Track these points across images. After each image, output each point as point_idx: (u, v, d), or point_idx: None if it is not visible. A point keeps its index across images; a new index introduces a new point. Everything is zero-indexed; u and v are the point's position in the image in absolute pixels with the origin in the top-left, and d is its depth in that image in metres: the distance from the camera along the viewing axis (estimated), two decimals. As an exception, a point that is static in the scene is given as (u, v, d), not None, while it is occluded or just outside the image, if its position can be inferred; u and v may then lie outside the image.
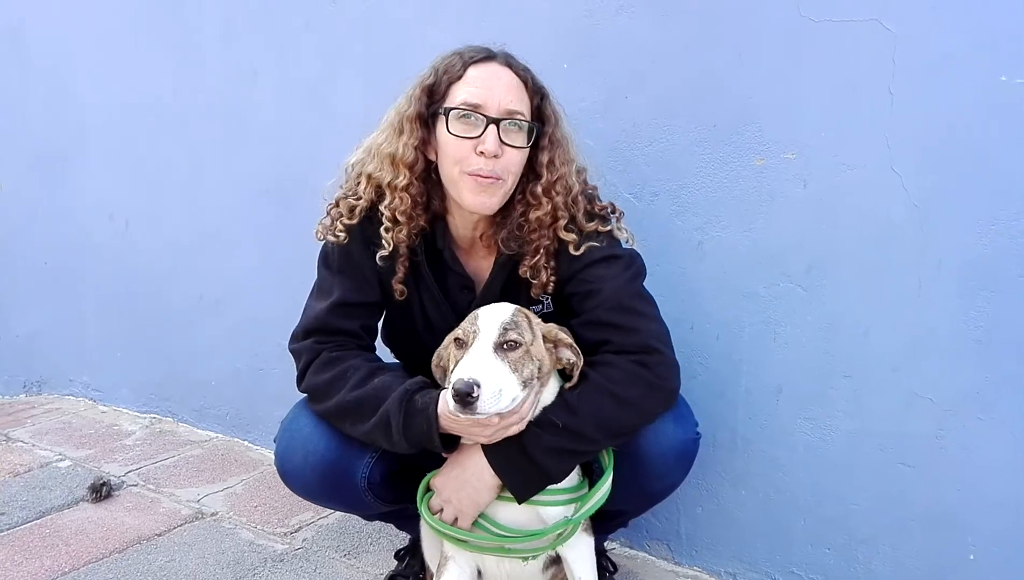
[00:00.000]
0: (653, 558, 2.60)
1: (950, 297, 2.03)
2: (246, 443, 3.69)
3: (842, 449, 2.19)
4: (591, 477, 1.94)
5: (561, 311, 1.92)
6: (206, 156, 3.60)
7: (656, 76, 2.38)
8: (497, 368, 1.61)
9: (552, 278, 1.88)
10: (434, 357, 1.85)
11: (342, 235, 1.94)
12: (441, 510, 1.88)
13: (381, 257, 1.87)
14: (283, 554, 2.68)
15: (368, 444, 1.96)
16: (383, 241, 1.86)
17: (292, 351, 1.99)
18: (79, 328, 4.26)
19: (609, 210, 1.92)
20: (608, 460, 1.85)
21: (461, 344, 1.67)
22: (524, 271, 1.88)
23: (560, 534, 1.82)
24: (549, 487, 1.80)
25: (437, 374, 1.83)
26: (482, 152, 1.75)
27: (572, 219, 1.85)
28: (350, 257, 1.93)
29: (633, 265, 1.92)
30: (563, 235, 1.84)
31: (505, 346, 1.65)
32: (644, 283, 1.93)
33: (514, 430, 1.75)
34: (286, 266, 3.27)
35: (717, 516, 2.46)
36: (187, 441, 3.75)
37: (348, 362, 1.92)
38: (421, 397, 1.74)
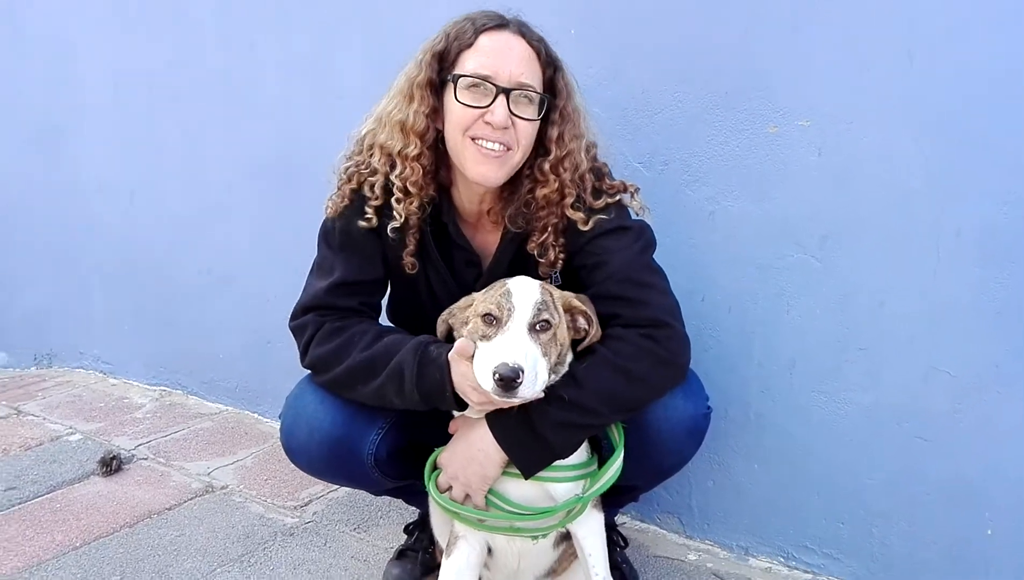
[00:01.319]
0: (664, 531, 2.58)
1: (969, 268, 1.98)
2: (256, 415, 3.68)
3: (858, 423, 2.16)
4: (600, 453, 1.90)
5: (569, 284, 1.88)
6: (206, 129, 3.56)
7: (666, 41, 2.32)
8: (534, 351, 1.58)
9: (561, 256, 1.86)
10: (444, 313, 1.81)
11: (352, 212, 1.91)
12: (450, 488, 1.84)
13: (392, 229, 1.83)
14: (293, 528, 2.67)
15: (374, 419, 1.94)
16: (394, 212, 1.82)
17: (293, 329, 1.93)
18: (87, 302, 4.26)
19: (620, 189, 1.88)
20: (619, 436, 1.82)
21: (492, 320, 1.63)
22: (532, 248, 1.85)
23: (570, 511, 1.79)
24: (557, 463, 1.77)
25: (441, 329, 1.81)
26: (489, 123, 1.71)
27: (579, 197, 1.82)
28: (351, 234, 1.89)
29: (643, 237, 1.87)
30: (570, 213, 1.81)
31: (538, 327, 1.62)
32: (654, 255, 1.88)
33: (509, 403, 1.69)
34: (292, 239, 3.23)
35: (729, 490, 2.43)
36: (197, 414, 3.75)
37: (354, 329, 1.86)
38: (436, 348, 1.73)
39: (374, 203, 1.86)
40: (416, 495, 2.22)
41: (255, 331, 3.57)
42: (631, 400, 1.76)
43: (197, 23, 3.47)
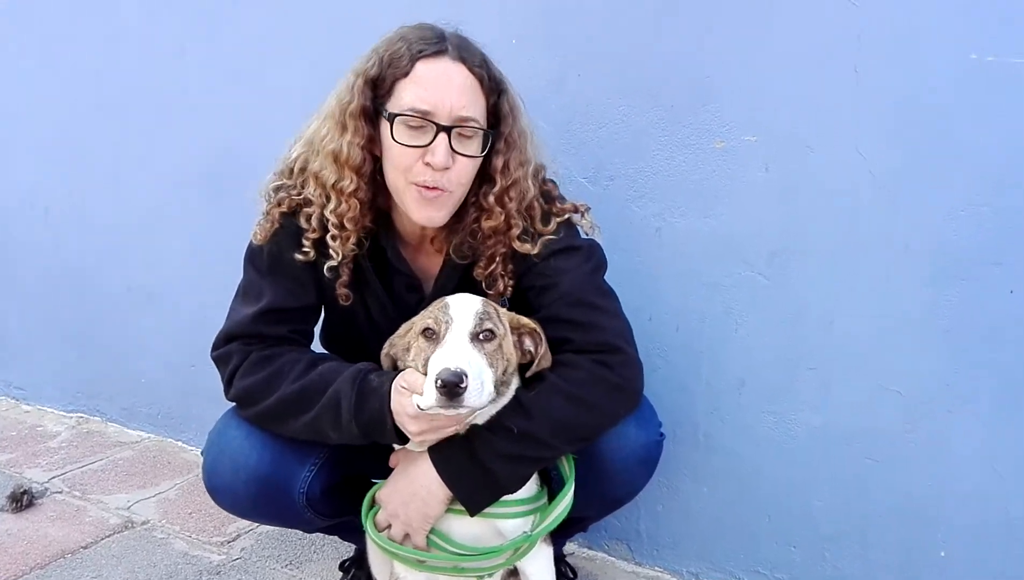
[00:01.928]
0: (613, 559, 2.50)
1: (919, 285, 1.95)
2: (180, 443, 3.50)
3: (807, 444, 2.12)
4: (550, 485, 1.81)
5: (518, 307, 1.78)
6: (131, 139, 3.36)
7: (611, 52, 2.25)
8: (478, 358, 1.50)
9: (510, 283, 1.77)
10: (386, 345, 1.71)
11: (284, 237, 1.79)
12: (389, 526, 1.73)
13: (329, 267, 1.73)
14: (220, 565, 2.52)
15: (306, 454, 1.83)
16: (330, 250, 1.71)
17: (216, 358, 1.80)
18: (0, 324, 4.00)
19: (571, 210, 1.81)
20: (569, 469, 1.73)
21: (431, 334, 1.55)
22: (479, 276, 1.77)
23: (518, 549, 1.69)
24: (505, 498, 1.68)
25: (386, 363, 1.71)
26: (429, 163, 1.61)
27: (526, 229, 1.74)
28: (281, 258, 1.77)
29: (593, 257, 1.80)
30: (517, 246, 1.73)
31: (481, 337, 1.54)
32: (604, 276, 1.81)
33: (449, 431, 1.62)
34: (220, 256, 3.04)
35: (679, 514, 2.36)
36: (116, 442, 3.55)
37: (284, 358, 1.74)
38: (376, 376, 1.64)
39: (312, 236, 1.73)
40: (352, 531, 2.09)
41: (179, 353, 3.39)
42: (584, 429, 1.68)
43: (122, 27, 3.27)
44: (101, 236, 3.51)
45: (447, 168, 1.63)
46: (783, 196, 2.06)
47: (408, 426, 1.59)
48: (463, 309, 1.57)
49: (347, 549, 2.40)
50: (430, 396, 1.46)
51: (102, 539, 2.69)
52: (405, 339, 1.69)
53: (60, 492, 3.05)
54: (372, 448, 1.74)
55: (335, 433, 1.68)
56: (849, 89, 1.97)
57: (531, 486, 1.74)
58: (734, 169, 2.10)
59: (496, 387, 1.56)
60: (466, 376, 1.43)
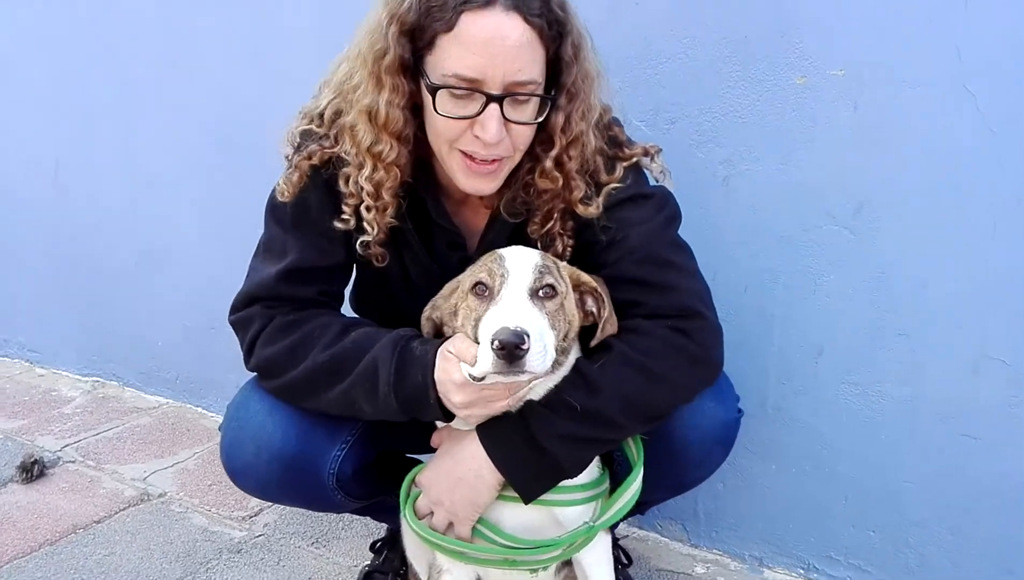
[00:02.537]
0: (666, 540, 2.33)
1: (1030, 241, 1.71)
2: (199, 410, 3.34)
3: (894, 419, 1.93)
4: (613, 467, 1.60)
5: (577, 266, 1.55)
6: (143, 95, 3.17)
7: (674, -22, 2.00)
8: (539, 318, 1.32)
9: (570, 244, 1.57)
10: (427, 308, 1.53)
11: (314, 191, 1.58)
12: (431, 513, 1.53)
13: (363, 242, 1.54)
14: (241, 543, 2.36)
15: (337, 430, 1.64)
16: (365, 223, 1.51)
17: (234, 323, 1.61)
18: (10, 282, 3.87)
19: (640, 154, 1.59)
20: (637, 451, 1.52)
21: (484, 291, 1.37)
22: (534, 234, 1.57)
23: (576, 542, 1.49)
24: (563, 483, 1.47)
25: (427, 327, 1.53)
26: (479, 136, 1.40)
27: (587, 193, 1.52)
28: (308, 211, 1.58)
29: (666, 206, 1.57)
30: (580, 210, 1.52)
31: (541, 293, 1.36)
32: (679, 229, 1.59)
33: (500, 406, 1.42)
34: (238, 213, 2.84)
35: (742, 493, 2.17)
36: (133, 408, 3.40)
37: (312, 323, 1.56)
38: (420, 344, 1.45)
39: (352, 202, 1.53)
40: (385, 511, 1.92)
41: (198, 316, 3.23)
42: (656, 407, 1.48)
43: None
44: (113, 195, 3.39)
45: (500, 141, 1.41)
46: (873, 139, 1.84)
47: (453, 396, 1.39)
48: (520, 262, 1.38)
49: (378, 527, 2.22)
50: (485, 360, 1.26)
51: (116, 513, 2.55)
52: (451, 301, 1.48)
53: (73, 462, 2.91)
54: (412, 422, 1.53)
55: (370, 407, 1.49)
56: (957, 14, 1.71)
57: (592, 469, 1.53)
58: (817, 108, 1.88)
59: (557, 352, 1.36)
60: (527, 336, 1.22)
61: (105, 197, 3.41)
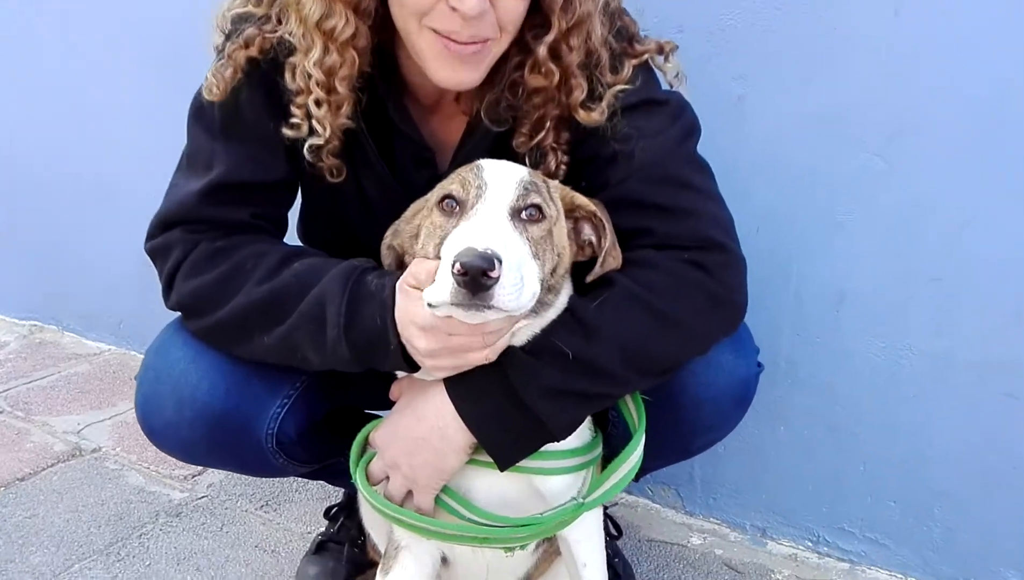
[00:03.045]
0: (658, 506, 2.12)
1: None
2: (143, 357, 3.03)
3: (923, 376, 1.73)
4: (606, 428, 1.36)
5: (573, 186, 1.30)
6: (80, 8, 2.88)
7: None
8: (518, 242, 1.09)
9: (564, 161, 1.33)
10: (387, 234, 1.30)
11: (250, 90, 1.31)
12: (387, 479, 1.29)
13: (312, 147, 1.28)
14: (181, 505, 2.14)
15: (277, 382, 1.39)
16: (315, 122, 1.26)
17: (150, 251, 1.37)
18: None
19: (654, 50, 1.34)
20: (637, 412, 1.29)
21: (453, 207, 1.14)
22: (520, 147, 1.32)
23: (562, 521, 1.24)
24: (548, 447, 1.23)
25: (388, 258, 1.30)
26: (456, 8, 1.15)
27: (592, 91, 1.27)
28: (242, 113, 1.32)
29: (683, 116, 1.32)
30: (581, 116, 1.27)
31: (525, 214, 1.13)
32: (697, 145, 1.34)
33: (475, 359, 1.16)
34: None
35: (745, 456, 1.97)
36: (72, 354, 3.13)
37: (245, 250, 1.30)
38: (376, 277, 1.21)
39: (302, 100, 1.26)
40: (342, 475, 1.63)
41: (143, 253, 2.89)
42: (665, 357, 1.23)
43: None
44: (46, 117, 3.11)
45: (481, 13, 1.15)
46: (915, 54, 1.60)
47: (417, 341, 1.14)
48: (502, 175, 1.15)
49: (335, 491, 2.01)
50: (443, 287, 1.01)
51: (43, 469, 2.31)
52: (414, 223, 1.23)
53: (1, 412, 2.65)
54: (371, 372, 1.28)
55: (316, 355, 1.24)
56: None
57: (583, 432, 1.29)
58: (849, 13, 1.65)
59: (542, 289, 1.12)
60: (498, 262, 0.98)
61: (43, 125, 3.14)
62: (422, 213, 1.21)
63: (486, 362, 1.16)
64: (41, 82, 3.08)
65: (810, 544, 1.94)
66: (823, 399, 1.85)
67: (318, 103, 1.24)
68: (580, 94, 1.25)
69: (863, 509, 1.86)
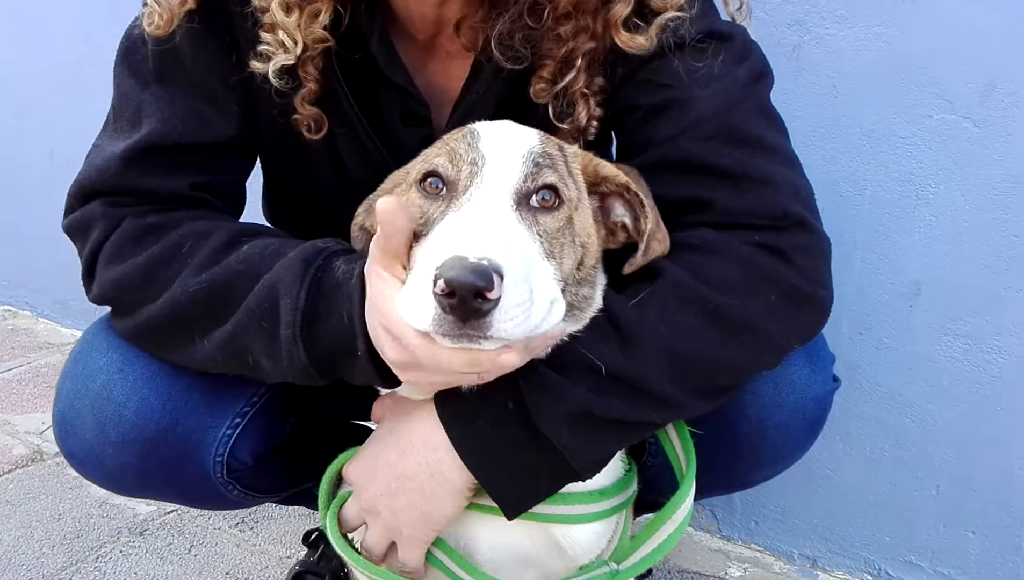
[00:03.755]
0: (689, 530, 1.90)
1: None
2: (121, 348, 2.85)
3: (1015, 384, 1.52)
4: (640, 458, 1.11)
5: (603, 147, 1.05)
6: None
7: None
8: (526, 243, 0.86)
9: (597, 113, 1.09)
10: (360, 209, 1.09)
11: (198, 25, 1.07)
12: (365, 524, 1.04)
13: (280, 70, 1.03)
14: (147, 521, 1.93)
15: (229, 397, 1.14)
16: (283, 34, 1.01)
17: (67, 229, 1.13)
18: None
19: None
20: (685, 448, 1.04)
21: (438, 188, 0.92)
22: (541, 94, 1.08)
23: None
24: (569, 488, 0.98)
25: (359, 242, 1.08)
26: None
27: (638, 5, 1.04)
28: (179, 52, 1.09)
29: (751, 55, 1.08)
30: (623, 39, 1.03)
31: (536, 200, 0.90)
32: (770, 92, 1.08)
33: (462, 379, 0.92)
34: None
35: (794, 475, 1.66)
36: (44, 343, 2.98)
37: (183, 228, 1.06)
38: (345, 262, 0.98)
39: (270, 17, 1.03)
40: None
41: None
42: (728, 372, 0.98)
43: None
44: (13, 90, 3.01)
45: None
46: None
47: (384, 346, 0.89)
48: (505, 144, 0.92)
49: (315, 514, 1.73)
50: (423, 310, 0.78)
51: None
52: (399, 197, 0.98)
53: (-41, 408, 2.47)
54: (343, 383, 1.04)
55: (270, 362, 0.99)
56: None
57: (614, 464, 1.03)
58: None
59: (567, 292, 0.89)
60: (499, 277, 0.75)
61: (8, 99, 3.04)
62: (401, 188, 0.96)
63: (481, 382, 0.90)
64: (5, 47, 2.99)
65: (869, 577, 1.75)
66: (890, 409, 1.65)
67: (288, 8, 1.00)
68: (624, 8, 1.00)
69: (935, 539, 1.66)
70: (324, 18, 1.01)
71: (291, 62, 1.02)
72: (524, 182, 0.88)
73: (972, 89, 1.44)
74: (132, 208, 1.06)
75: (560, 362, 0.92)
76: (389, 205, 0.82)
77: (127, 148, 1.06)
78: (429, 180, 0.91)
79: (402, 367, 0.88)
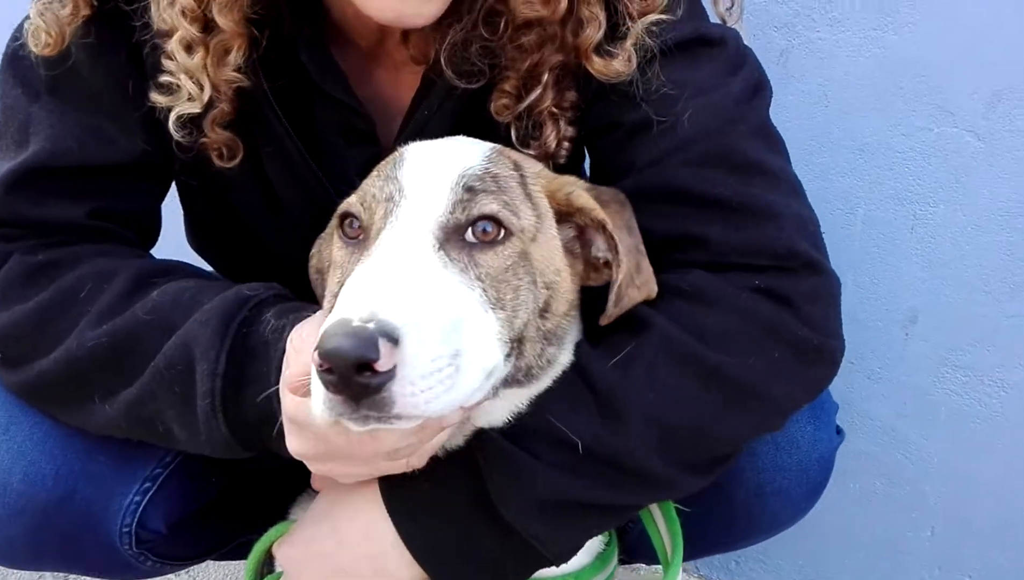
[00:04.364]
0: (661, 568, 1.74)
1: None
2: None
3: (1018, 420, 1.41)
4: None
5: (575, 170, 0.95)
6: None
7: None
8: (447, 288, 0.72)
9: (569, 135, 0.97)
10: (312, 253, 0.97)
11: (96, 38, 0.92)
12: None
13: (180, 120, 0.89)
14: None
15: (135, 458, 0.98)
16: (185, 78, 0.87)
17: None
18: None
19: None
20: (670, 530, 0.92)
21: (356, 230, 0.80)
22: (502, 112, 0.95)
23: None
24: (541, 573, 0.85)
25: (319, 288, 0.95)
26: None
27: (614, 22, 0.91)
28: (76, 65, 0.94)
29: (745, 65, 0.95)
30: (597, 66, 0.90)
31: (472, 234, 0.77)
32: (768, 108, 0.96)
33: (388, 467, 0.81)
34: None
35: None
36: None
37: (81, 268, 0.91)
38: (275, 316, 0.84)
39: (176, 47, 0.88)
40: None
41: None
42: (726, 442, 0.85)
43: None
44: None
45: None
46: None
47: (287, 436, 0.78)
48: (430, 169, 0.80)
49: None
50: (317, 395, 0.67)
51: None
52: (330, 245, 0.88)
53: None
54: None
55: (184, 432, 0.85)
56: None
57: (592, 540, 0.89)
58: None
59: (515, 352, 0.76)
60: (389, 340, 0.63)
61: None
62: (327, 233, 0.86)
63: (408, 471, 0.78)
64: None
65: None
66: (882, 444, 1.55)
67: (189, 47, 0.86)
68: (596, 31, 0.88)
69: None
70: (236, 57, 0.87)
71: (196, 111, 0.87)
72: (452, 213, 0.75)
73: (976, 100, 1.33)
74: (19, 242, 0.91)
75: (526, 435, 0.78)
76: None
77: (11, 171, 0.91)
78: (345, 219, 0.78)
79: (313, 459, 0.75)
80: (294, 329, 0.77)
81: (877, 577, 1.60)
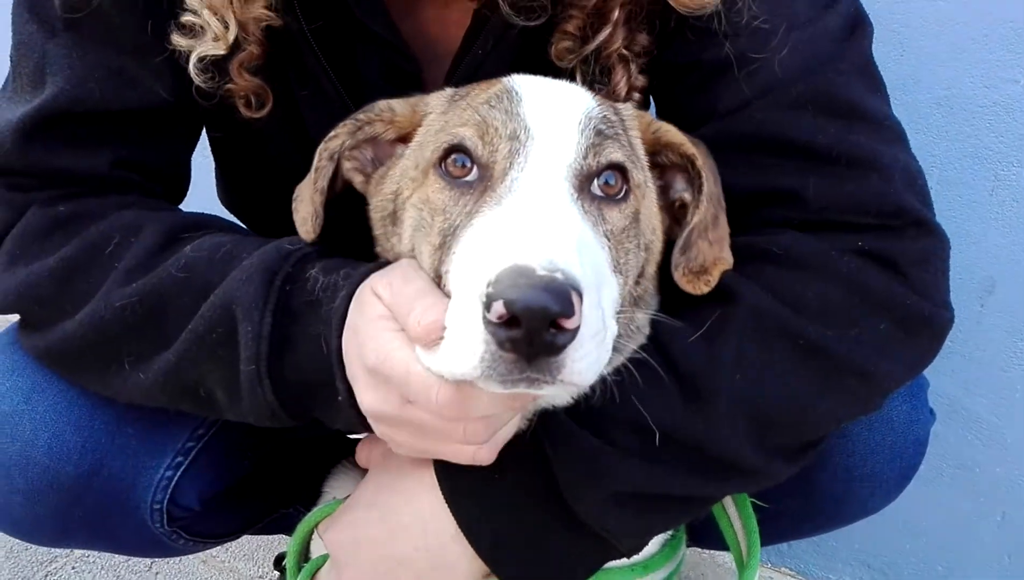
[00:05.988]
0: (711, 551, 1.71)
1: None
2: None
3: None
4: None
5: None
6: None
7: None
8: (595, 250, 0.66)
9: (638, 86, 0.88)
10: (295, 196, 0.90)
11: None
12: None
13: (200, 63, 0.84)
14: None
15: (166, 430, 0.95)
16: (209, 15, 0.82)
17: None
18: None
19: None
20: (746, 527, 0.86)
21: (465, 168, 0.71)
22: (564, 55, 0.88)
23: None
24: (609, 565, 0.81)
25: (380, 233, 0.86)
26: None
27: None
28: (97, 1, 0.86)
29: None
30: None
31: (598, 186, 0.70)
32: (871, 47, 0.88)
33: (455, 452, 0.74)
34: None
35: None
36: None
37: (105, 220, 0.85)
38: (321, 271, 0.77)
39: None
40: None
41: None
42: (823, 424, 0.78)
43: None
44: None
45: None
46: None
47: (360, 389, 0.73)
48: (556, 106, 0.72)
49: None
50: (470, 349, 0.58)
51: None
52: (388, 184, 0.80)
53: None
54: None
55: (227, 397, 0.79)
56: None
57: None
58: None
59: (618, 323, 0.70)
60: (580, 296, 0.55)
61: None
62: (403, 168, 0.76)
63: (475, 463, 0.72)
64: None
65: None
66: (951, 424, 1.48)
67: None
68: None
69: (997, 572, 1.52)
70: (260, 7, 0.80)
71: (221, 52, 0.81)
72: (585, 158, 0.68)
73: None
74: (36, 193, 0.86)
75: (594, 415, 0.71)
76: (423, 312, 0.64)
77: (27, 115, 0.85)
78: (453, 157, 0.70)
79: (379, 418, 0.70)
80: (376, 282, 0.70)
81: (941, 565, 1.56)
